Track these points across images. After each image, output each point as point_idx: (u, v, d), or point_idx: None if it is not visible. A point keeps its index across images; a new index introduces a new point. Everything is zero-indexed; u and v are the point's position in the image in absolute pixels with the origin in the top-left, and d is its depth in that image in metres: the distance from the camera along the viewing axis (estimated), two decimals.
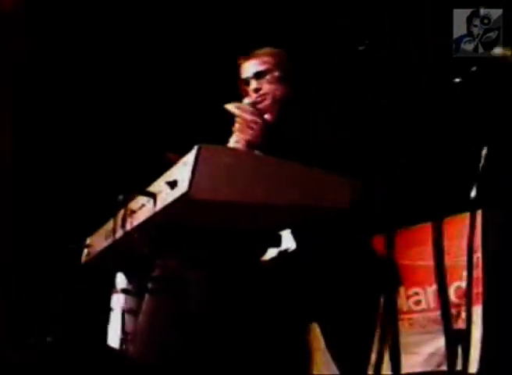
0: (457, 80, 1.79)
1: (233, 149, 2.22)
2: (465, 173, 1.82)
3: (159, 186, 1.93)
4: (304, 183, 1.95)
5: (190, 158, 1.80)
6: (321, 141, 2.17)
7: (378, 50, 1.72)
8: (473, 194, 1.60)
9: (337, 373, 2.25)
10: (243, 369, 2.14)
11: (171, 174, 1.89)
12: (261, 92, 2.42)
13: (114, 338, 2.30)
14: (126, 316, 2.24)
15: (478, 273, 2.90)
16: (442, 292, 1.62)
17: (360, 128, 2.33)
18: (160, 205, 1.89)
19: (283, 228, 2.17)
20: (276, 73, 2.44)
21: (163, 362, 1.93)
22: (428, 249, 4.65)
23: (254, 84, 2.44)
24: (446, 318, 1.61)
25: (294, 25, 3.90)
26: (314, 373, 4.46)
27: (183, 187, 1.77)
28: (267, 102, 2.42)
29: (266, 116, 2.43)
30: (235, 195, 1.84)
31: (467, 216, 2.75)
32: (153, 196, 1.94)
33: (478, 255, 3.24)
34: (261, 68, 2.45)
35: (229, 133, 2.37)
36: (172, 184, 1.82)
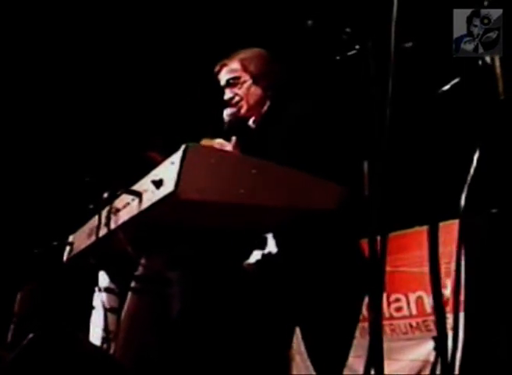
0: (446, 87, 1.80)
1: (220, 150, 2.22)
2: (453, 179, 1.82)
3: (145, 185, 1.91)
4: (290, 185, 1.94)
5: (176, 157, 1.78)
6: (309, 144, 2.17)
7: (370, 54, 1.72)
8: (463, 199, 1.60)
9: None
10: (223, 369, 2.13)
11: (157, 173, 1.87)
12: (235, 100, 2.46)
13: (95, 337, 2.29)
14: (108, 314, 2.23)
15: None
16: (437, 299, 1.61)
17: (347, 133, 2.34)
18: (145, 204, 1.88)
19: (268, 230, 2.17)
20: (246, 78, 2.46)
21: (144, 362, 1.92)
22: (412, 255, 4.71)
23: (227, 94, 2.48)
24: (441, 325, 1.61)
25: (284, 26, 3.92)
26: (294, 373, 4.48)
27: (169, 186, 1.76)
28: (244, 109, 2.45)
29: (250, 122, 2.46)
30: (220, 195, 1.83)
31: (446, 223, 2.77)
32: (138, 195, 1.92)
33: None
34: (230, 76, 2.48)
35: (219, 133, 2.37)
36: (158, 183, 1.80)
